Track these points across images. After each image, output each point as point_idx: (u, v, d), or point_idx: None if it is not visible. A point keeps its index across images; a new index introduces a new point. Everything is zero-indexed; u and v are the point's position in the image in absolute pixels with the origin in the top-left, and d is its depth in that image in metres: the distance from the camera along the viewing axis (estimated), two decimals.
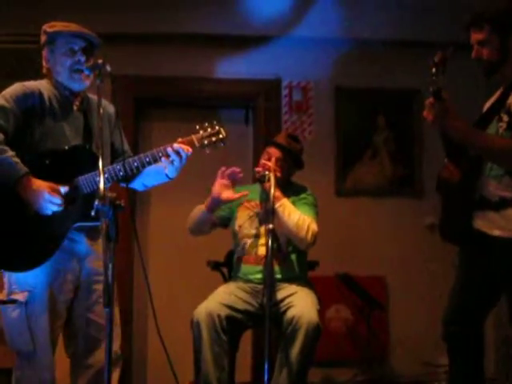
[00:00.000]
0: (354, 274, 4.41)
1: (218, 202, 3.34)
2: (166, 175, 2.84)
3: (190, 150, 2.76)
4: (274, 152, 3.45)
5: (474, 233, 2.72)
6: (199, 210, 3.42)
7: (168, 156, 2.74)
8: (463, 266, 2.83)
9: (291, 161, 3.48)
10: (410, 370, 4.47)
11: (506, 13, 2.69)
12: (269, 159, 3.39)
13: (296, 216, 3.27)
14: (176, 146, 2.73)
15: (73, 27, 2.74)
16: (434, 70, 2.54)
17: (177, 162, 2.74)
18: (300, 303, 3.13)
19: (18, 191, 2.57)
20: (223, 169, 3.32)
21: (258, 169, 3.34)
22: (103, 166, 2.30)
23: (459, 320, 2.78)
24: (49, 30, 2.77)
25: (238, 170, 3.31)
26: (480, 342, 2.79)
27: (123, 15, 4.47)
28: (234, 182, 3.33)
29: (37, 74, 2.88)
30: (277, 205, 3.22)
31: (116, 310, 2.76)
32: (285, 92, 4.73)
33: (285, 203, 3.29)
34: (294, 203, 3.36)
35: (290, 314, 3.07)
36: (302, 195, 3.47)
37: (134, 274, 4.56)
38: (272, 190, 3.02)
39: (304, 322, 2.99)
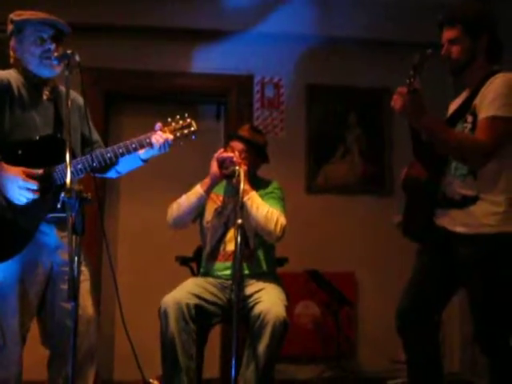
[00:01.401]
0: (324, 271, 4.43)
1: (216, 182, 3.35)
2: (139, 158, 2.87)
3: (171, 137, 2.81)
4: (236, 145, 3.42)
5: (435, 230, 2.77)
6: (194, 195, 3.34)
7: (142, 148, 2.78)
8: (421, 262, 2.89)
9: (255, 154, 3.45)
10: (378, 366, 4.50)
11: (479, 15, 2.74)
12: (233, 153, 3.36)
13: (265, 209, 3.26)
14: (159, 136, 2.77)
15: (41, 15, 2.70)
16: (411, 72, 2.57)
17: (157, 149, 2.79)
18: (267, 299, 3.12)
19: None
20: (220, 151, 3.33)
21: (227, 161, 3.30)
22: (71, 158, 2.28)
23: (413, 314, 2.82)
24: (16, 18, 2.71)
25: (232, 155, 3.29)
26: (434, 335, 2.85)
27: (95, 6, 4.42)
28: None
29: (5, 64, 2.81)
30: (245, 198, 3.20)
31: (94, 301, 2.78)
32: (257, 88, 4.74)
33: (253, 196, 3.27)
34: (261, 197, 3.34)
35: (257, 309, 3.07)
36: (269, 189, 3.46)
37: (102, 268, 4.51)
38: (242, 185, 3.00)
39: (271, 317, 2.98)
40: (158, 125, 2.84)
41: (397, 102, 2.61)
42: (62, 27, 2.73)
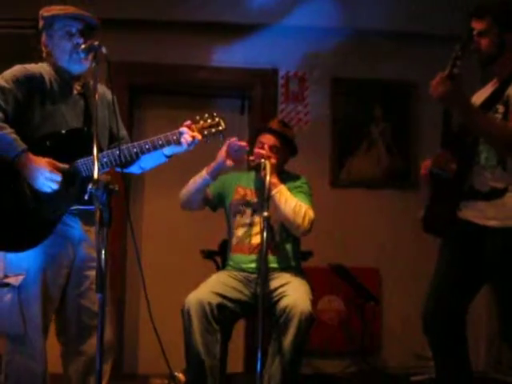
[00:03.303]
0: (348, 266, 4.40)
1: (222, 167, 3.31)
2: (163, 154, 2.85)
3: (199, 136, 2.78)
4: (268, 138, 3.41)
5: (460, 223, 2.72)
6: (199, 176, 3.37)
7: (169, 145, 2.75)
8: (444, 259, 2.83)
9: (285, 147, 3.45)
10: (402, 361, 4.48)
11: (509, 6, 2.70)
12: (262, 147, 3.38)
13: (293, 202, 3.25)
14: (189, 136, 2.74)
15: (69, 9, 2.72)
16: (459, 52, 2.55)
17: (185, 146, 2.76)
18: (293, 293, 3.11)
19: (17, 168, 2.55)
20: (233, 139, 3.26)
21: (252, 158, 3.33)
22: (98, 151, 2.29)
23: (440, 313, 2.78)
24: (45, 14, 2.75)
25: (244, 144, 3.25)
26: (462, 333, 2.80)
27: (119, 1, 4.43)
28: (237, 159, 3.29)
29: (36, 59, 2.83)
30: (274, 191, 3.22)
31: (108, 297, 2.74)
32: (281, 82, 4.71)
33: (282, 190, 3.27)
34: (289, 191, 3.33)
35: (282, 303, 3.06)
36: (298, 183, 3.45)
37: (127, 261, 4.55)
38: (268, 178, 3.00)
39: (297, 311, 2.97)
40: (187, 122, 2.82)
41: (436, 87, 2.58)
42: (90, 21, 2.74)
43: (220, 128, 2.83)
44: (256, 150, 3.36)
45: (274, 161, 3.30)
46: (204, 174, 3.35)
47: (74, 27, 2.70)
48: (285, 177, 3.43)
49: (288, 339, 2.98)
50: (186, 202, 3.46)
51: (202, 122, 2.82)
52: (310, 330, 3.03)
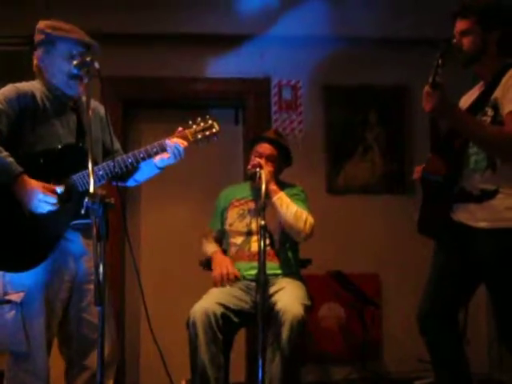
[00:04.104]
0: (347, 272, 4.40)
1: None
2: (156, 165, 2.85)
3: (186, 143, 2.78)
4: (264, 147, 3.47)
5: (453, 225, 2.74)
6: (207, 256, 3.53)
7: (163, 151, 2.75)
8: (438, 261, 2.85)
9: (282, 155, 3.50)
10: (404, 366, 4.45)
11: (492, 7, 2.73)
12: (259, 157, 3.41)
13: (294, 208, 3.31)
14: (172, 142, 2.74)
15: (74, 33, 2.70)
16: (440, 61, 2.57)
17: (172, 158, 2.76)
18: (286, 298, 3.14)
19: (13, 191, 2.56)
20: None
21: (248, 167, 3.39)
22: (93, 164, 2.28)
23: (435, 313, 2.79)
24: (48, 30, 2.70)
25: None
26: (457, 332, 2.82)
27: (111, 15, 4.45)
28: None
29: (27, 77, 2.82)
30: (274, 198, 3.29)
31: (109, 311, 2.74)
32: (274, 91, 4.73)
33: (282, 196, 3.33)
34: None
35: (275, 309, 3.09)
36: (294, 191, 3.50)
37: (125, 274, 4.55)
38: (263, 186, 3.02)
39: (289, 316, 3.00)
40: (179, 129, 2.82)
41: (427, 101, 2.60)
42: (94, 48, 2.73)
43: (214, 130, 2.83)
44: (252, 161, 3.39)
45: (270, 169, 3.34)
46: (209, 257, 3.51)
47: (76, 50, 2.68)
48: (281, 186, 3.46)
49: (282, 344, 3.01)
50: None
51: (194, 127, 2.83)
52: (303, 334, 3.04)
